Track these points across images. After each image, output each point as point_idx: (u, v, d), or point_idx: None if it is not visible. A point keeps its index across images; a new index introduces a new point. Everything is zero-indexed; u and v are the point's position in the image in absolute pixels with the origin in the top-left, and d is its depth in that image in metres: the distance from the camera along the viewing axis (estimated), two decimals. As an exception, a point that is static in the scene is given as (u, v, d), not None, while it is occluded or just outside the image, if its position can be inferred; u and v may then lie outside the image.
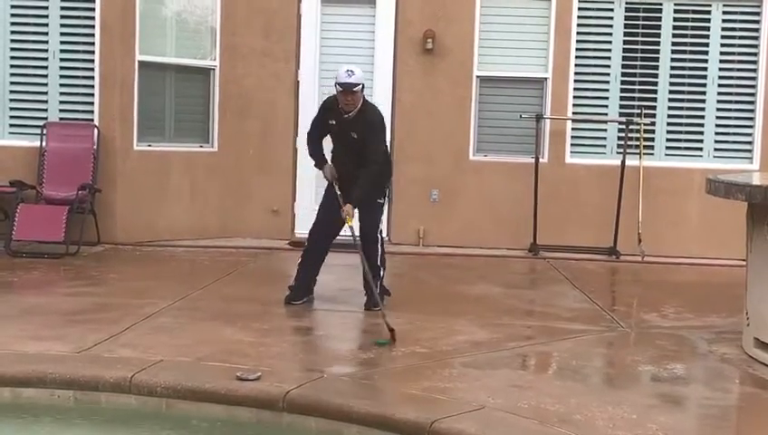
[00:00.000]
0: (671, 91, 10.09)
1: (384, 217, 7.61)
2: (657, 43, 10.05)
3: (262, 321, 6.38)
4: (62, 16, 9.54)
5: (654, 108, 10.08)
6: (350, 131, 6.74)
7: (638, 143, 9.95)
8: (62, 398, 4.83)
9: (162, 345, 5.58)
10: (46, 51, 9.56)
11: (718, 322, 6.83)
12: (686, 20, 10.03)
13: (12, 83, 9.61)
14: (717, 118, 10.11)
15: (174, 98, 9.93)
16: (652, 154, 10.09)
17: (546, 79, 10.06)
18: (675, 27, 10.03)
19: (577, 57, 10.05)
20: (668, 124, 10.13)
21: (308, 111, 10.01)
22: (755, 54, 10.01)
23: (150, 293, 7.21)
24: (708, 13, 10.02)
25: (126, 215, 9.53)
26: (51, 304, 6.71)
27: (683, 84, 10.10)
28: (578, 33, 10.04)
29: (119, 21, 9.38)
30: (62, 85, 9.59)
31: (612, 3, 10.05)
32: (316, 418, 4.53)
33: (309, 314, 6.82)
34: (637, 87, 10.11)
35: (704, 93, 10.09)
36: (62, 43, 9.55)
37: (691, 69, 10.07)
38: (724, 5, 9.99)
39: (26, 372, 4.92)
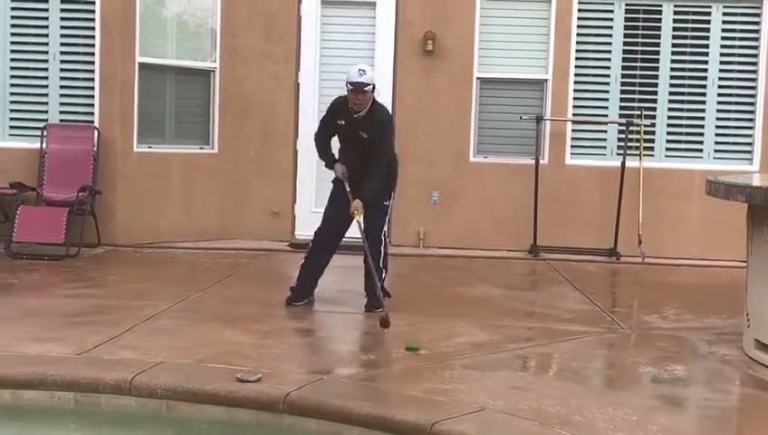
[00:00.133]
0: (671, 93, 10.10)
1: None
2: (658, 45, 10.06)
3: (262, 322, 6.37)
4: (63, 18, 9.54)
5: (654, 109, 10.09)
6: (360, 131, 6.73)
7: (638, 144, 9.95)
8: (63, 400, 4.83)
9: (162, 347, 5.58)
10: (46, 53, 9.57)
11: (718, 323, 6.83)
12: (686, 21, 10.04)
13: (12, 85, 9.62)
14: (717, 119, 10.11)
15: (174, 100, 9.93)
16: (652, 155, 10.09)
17: (546, 80, 10.07)
18: (675, 29, 10.04)
19: (577, 58, 10.05)
20: (668, 125, 10.14)
21: (308, 113, 10.07)
22: (755, 56, 10.01)
23: (151, 294, 7.21)
24: (708, 14, 10.02)
25: (126, 216, 9.54)
26: (51, 306, 6.71)
27: (683, 86, 10.11)
28: (578, 34, 10.05)
29: (119, 23, 9.38)
30: (62, 87, 9.59)
31: (612, 4, 10.06)
32: (316, 419, 4.53)
33: (309, 316, 6.82)
34: (637, 88, 10.11)
35: (704, 95, 10.10)
36: (62, 45, 9.55)
37: (691, 70, 10.08)
38: (724, 7, 9.99)
39: (27, 373, 4.91)
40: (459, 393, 4.85)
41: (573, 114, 10.11)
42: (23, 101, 9.65)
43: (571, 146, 10.15)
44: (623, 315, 7.12)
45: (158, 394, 4.75)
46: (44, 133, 9.39)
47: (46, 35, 9.56)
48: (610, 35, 10.09)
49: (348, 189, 6.76)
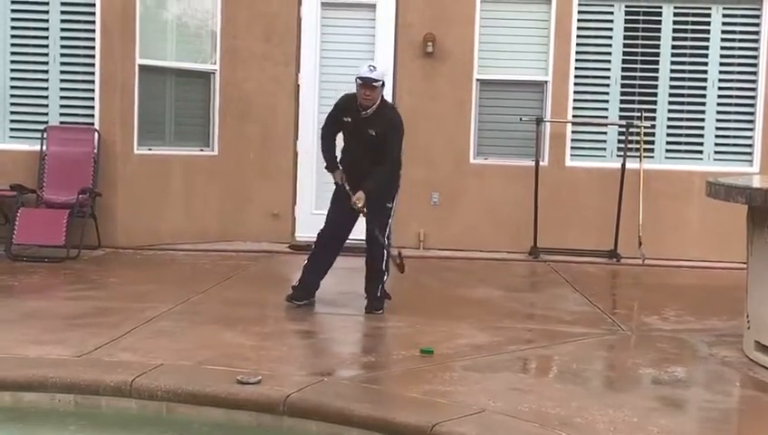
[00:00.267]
0: (671, 94, 10.10)
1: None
2: (658, 46, 10.06)
3: (262, 324, 6.38)
4: (63, 20, 9.54)
5: (654, 111, 10.09)
6: (368, 129, 6.69)
7: (638, 146, 9.95)
8: (63, 402, 4.83)
9: (163, 349, 5.58)
10: (47, 55, 9.57)
11: (719, 325, 6.83)
12: (686, 23, 10.04)
13: (12, 87, 9.62)
14: (717, 121, 10.11)
15: (174, 102, 9.93)
16: (652, 157, 10.09)
17: (546, 82, 10.07)
18: (675, 30, 10.04)
19: (577, 60, 10.06)
20: (668, 127, 10.14)
21: (308, 115, 10.08)
22: (755, 57, 10.01)
23: (151, 296, 7.21)
24: (708, 16, 10.03)
25: (126, 218, 9.54)
26: (51, 308, 6.71)
27: (683, 87, 10.11)
28: (578, 36, 10.05)
29: (119, 25, 9.39)
30: (62, 89, 9.59)
31: (612, 6, 10.06)
32: (317, 421, 4.53)
33: (309, 318, 6.81)
34: (637, 90, 10.11)
35: (704, 96, 10.10)
36: (62, 47, 9.55)
37: (691, 72, 10.08)
38: (723, 8, 10.00)
39: (27, 376, 4.91)
40: (459, 395, 4.84)
41: (573, 116, 10.11)
42: (23, 103, 9.65)
43: (571, 147, 10.15)
44: (623, 317, 7.11)
45: (158, 396, 4.75)
46: (45, 135, 9.40)
47: (46, 37, 9.56)
48: (610, 37, 10.09)
49: (348, 188, 6.74)
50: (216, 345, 5.74)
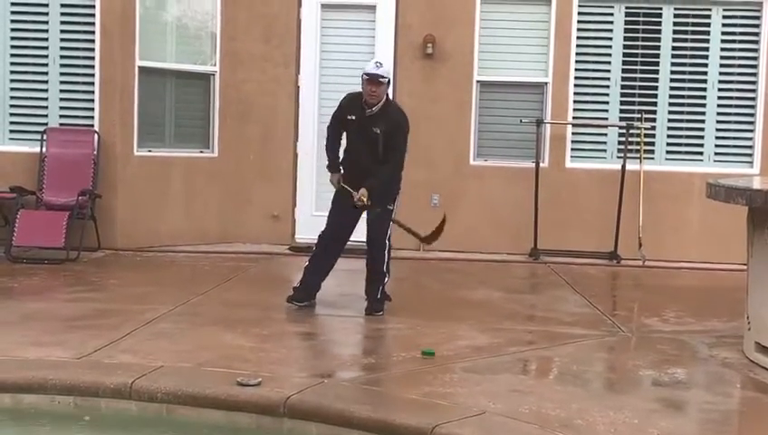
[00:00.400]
0: (671, 96, 10.10)
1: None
2: (658, 48, 10.06)
3: (262, 326, 6.37)
4: (63, 22, 9.55)
5: (654, 112, 10.09)
6: (373, 127, 6.66)
7: (638, 147, 9.95)
8: (63, 404, 4.82)
9: (162, 351, 5.58)
10: (46, 56, 9.57)
11: (719, 326, 6.82)
12: (686, 24, 10.04)
13: (12, 89, 9.63)
14: (718, 122, 10.11)
15: (174, 103, 9.93)
16: (652, 158, 10.09)
17: (546, 83, 10.07)
18: (675, 31, 10.04)
19: (577, 61, 10.05)
20: (669, 128, 10.14)
21: (308, 116, 10.08)
22: (755, 58, 10.01)
23: (151, 298, 7.21)
24: (708, 17, 10.03)
25: (126, 220, 9.53)
26: (51, 310, 6.71)
27: (683, 88, 10.11)
28: (578, 37, 10.05)
29: (119, 26, 9.39)
30: (62, 91, 9.60)
31: (612, 7, 10.06)
32: (317, 423, 4.53)
33: (309, 320, 6.80)
34: (637, 91, 10.11)
35: (704, 97, 10.10)
36: (62, 48, 9.56)
37: (691, 73, 10.08)
38: (724, 9, 10.00)
39: (27, 378, 4.91)
40: (460, 397, 4.84)
41: (573, 117, 10.11)
42: (23, 105, 9.65)
43: (572, 149, 10.15)
44: (624, 318, 7.11)
45: (158, 398, 4.75)
46: (44, 137, 9.39)
47: (46, 39, 9.57)
48: (610, 38, 10.09)
49: (348, 188, 6.73)
50: (216, 347, 5.74)
